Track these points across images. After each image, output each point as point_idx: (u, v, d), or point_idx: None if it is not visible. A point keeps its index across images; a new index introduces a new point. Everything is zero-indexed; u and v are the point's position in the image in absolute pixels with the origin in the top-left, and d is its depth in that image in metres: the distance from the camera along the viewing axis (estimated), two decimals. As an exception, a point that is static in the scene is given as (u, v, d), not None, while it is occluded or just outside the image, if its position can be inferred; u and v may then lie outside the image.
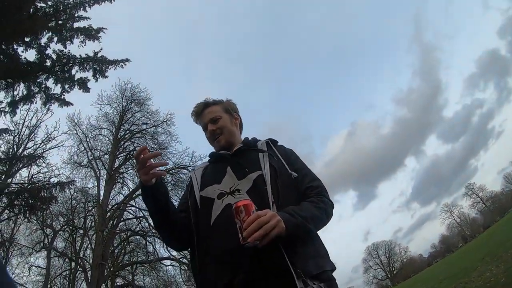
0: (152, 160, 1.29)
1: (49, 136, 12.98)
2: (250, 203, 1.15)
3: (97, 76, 9.39)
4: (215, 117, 1.64)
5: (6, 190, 8.75)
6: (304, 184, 1.44)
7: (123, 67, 10.05)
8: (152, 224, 13.66)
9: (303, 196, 1.40)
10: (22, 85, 8.41)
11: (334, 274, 1.30)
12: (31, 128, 12.51)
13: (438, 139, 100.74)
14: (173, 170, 14.31)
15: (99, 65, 9.29)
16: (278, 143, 1.64)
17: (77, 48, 8.98)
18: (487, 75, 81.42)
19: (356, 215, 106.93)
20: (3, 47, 7.17)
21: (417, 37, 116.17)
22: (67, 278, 15.46)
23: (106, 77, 9.64)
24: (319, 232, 1.39)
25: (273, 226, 1.10)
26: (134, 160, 1.36)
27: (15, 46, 7.52)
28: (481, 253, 13.55)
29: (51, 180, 11.66)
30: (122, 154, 15.61)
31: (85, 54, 9.00)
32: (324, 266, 1.23)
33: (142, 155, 1.26)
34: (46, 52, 8.25)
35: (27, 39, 7.66)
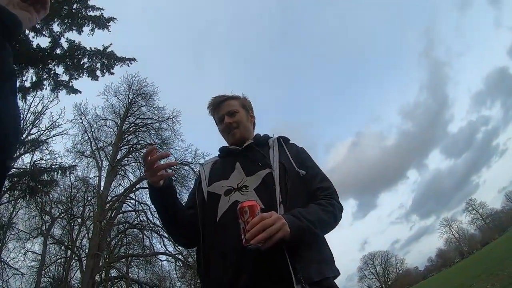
0: (160, 161, 1.27)
1: (54, 123, 13.08)
2: (256, 204, 1.13)
3: (104, 71, 9.40)
4: (233, 110, 1.63)
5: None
6: (314, 184, 1.41)
7: (129, 66, 10.05)
8: (150, 218, 13.81)
9: (313, 197, 1.37)
10: (31, 70, 8.44)
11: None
12: (36, 114, 12.60)
13: (441, 154, 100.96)
14: (174, 166, 14.26)
15: (108, 59, 9.28)
16: (290, 141, 1.62)
17: (87, 36, 9.00)
18: (495, 93, 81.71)
19: (355, 224, 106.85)
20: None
21: (427, 51, 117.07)
22: (62, 266, 15.50)
23: (112, 74, 9.67)
24: (326, 236, 1.37)
25: (278, 229, 1.08)
26: (142, 161, 1.33)
27: (26, 32, 7.54)
28: (478, 270, 13.47)
29: (54, 166, 11.72)
30: (125, 147, 15.64)
31: (95, 48, 9.00)
32: (326, 273, 1.19)
33: (150, 157, 1.25)
34: (59, 41, 8.26)
35: (38, 26, 7.68)
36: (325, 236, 1.36)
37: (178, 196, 1.50)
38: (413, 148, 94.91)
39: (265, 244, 1.06)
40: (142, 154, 14.89)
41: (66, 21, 8.20)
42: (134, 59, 10.01)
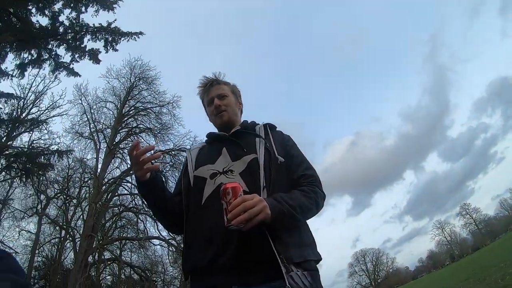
0: (146, 154, 1.28)
1: (54, 103, 13.03)
2: (238, 186, 1.15)
3: (108, 47, 9.26)
4: (223, 93, 1.65)
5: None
6: (298, 171, 1.43)
7: (135, 40, 9.84)
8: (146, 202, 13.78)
9: (296, 184, 1.39)
10: (32, 50, 8.34)
11: (321, 269, 1.30)
12: (37, 94, 12.56)
13: (439, 157, 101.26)
14: (173, 152, 14.31)
15: (112, 35, 9.15)
16: (277, 129, 1.64)
17: (91, 17, 8.88)
18: (496, 101, 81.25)
19: (348, 221, 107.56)
20: (16, 9, 7.09)
21: (432, 56, 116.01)
22: (55, 246, 15.66)
23: (116, 50, 9.51)
24: (309, 221, 1.40)
25: (259, 211, 1.10)
26: (128, 156, 1.35)
27: (29, 8, 7.44)
28: (466, 273, 13.61)
29: (51, 147, 11.72)
30: (124, 130, 15.57)
31: (99, 24, 8.86)
32: (307, 255, 1.22)
33: (135, 151, 1.26)
34: (60, 18, 8.17)
35: (40, 4, 7.58)
36: (315, 232, 1.38)
37: (170, 181, 1.51)
38: (412, 150, 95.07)
39: (246, 225, 1.08)
40: (140, 138, 15.07)
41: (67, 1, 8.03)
42: (141, 33, 9.80)
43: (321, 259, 1.31)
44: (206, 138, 1.66)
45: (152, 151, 1.35)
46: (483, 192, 76.98)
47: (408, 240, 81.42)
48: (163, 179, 1.49)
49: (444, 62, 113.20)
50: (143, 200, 1.46)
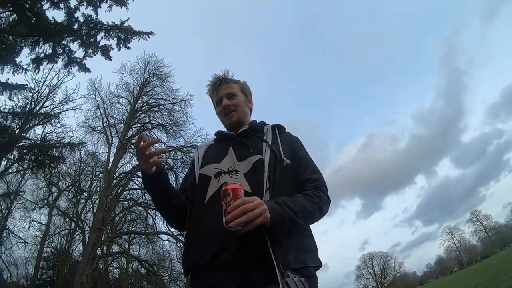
0: (152, 148, 1.28)
1: (68, 97, 13.23)
2: (239, 188, 1.14)
3: (121, 45, 9.36)
4: (232, 93, 1.64)
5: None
6: (304, 175, 1.41)
7: (146, 39, 9.99)
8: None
9: (301, 187, 1.37)
10: (47, 44, 8.51)
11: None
12: (51, 87, 12.76)
13: (451, 162, 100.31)
14: (184, 148, 14.33)
15: (124, 33, 9.25)
16: (285, 130, 1.62)
17: (104, 13, 8.95)
18: (510, 107, 79.39)
19: (358, 223, 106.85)
20: (31, 5, 7.22)
21: (447, 59, 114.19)
22: (65, 238, 15.88)
23: (129, 48, 9.62)
24: (313, 226, 1.39)
25: (258, 215, 1.09)
26: (135, 149, 1.34)
27: (43, 4, 7.57)
28: (475, 281, 13.43)
29: (64, 140, 11.89)
30: (137, 125, 15.68)
31: (112, 22, 8.97)
32: (306, 262, 1.21)
33: (141, 144, 1.26)
34: (75, 15, 8.29)
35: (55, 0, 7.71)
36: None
37: (180, 177, 1.52)
38: (424, 154, 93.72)
39: (245, 228, 1.08)
40: (152, 133, 15.21)
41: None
42: (152, 33, 9.93)
43: (321, 265, 1.30)
44: (215, 136, 1.66)
45: (157, 144, 1.34)
46: (495, 199, 75.86)
47: (417, 245, 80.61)
48: (174, 175, 1.51)
49: (459, 65, 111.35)
50: (148, 194, 1.52)
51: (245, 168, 1.37)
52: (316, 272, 1.28)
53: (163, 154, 1.37)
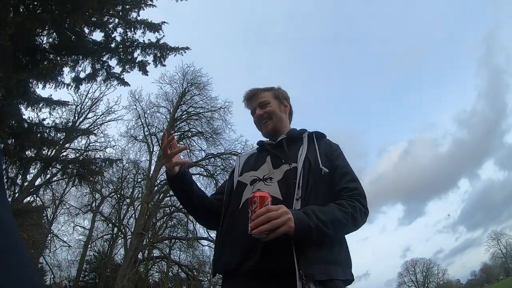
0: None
1: (110, 109, 13.64)
2: (267, 196, 1.15)
3: (157, 62, 9.48)
4: (263, 101, 1.66)
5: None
6: (340, 183, 1.37)
7: (182, 55, 10.14)
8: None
9: (337, 196, 1.33)
10: (86, 62, 8.71)
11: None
12: (93, 100, 13.22)
13: (495, 165, 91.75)
14: (224, 155, 14.41)
15: (160, 51, 9.34)
16: (325, 138, 1.61)
17: (139, 36, 9.21)
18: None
19: (400, 229, 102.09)
20: (71, 25, 7.34)
21: (487, 59, 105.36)
22: (107, 242, 16.57)
23: (164, 65, 9.78)
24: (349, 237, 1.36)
25: (282, 223, 1.08)
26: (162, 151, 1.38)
27: (83, 27, 7.70)
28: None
29: (106, 150, 12.32)
30: (177, 134, 15.83)
31: (148, 40, 9.14)
32: (333, 274, 1.16)
33: (164, 143, 1.31)
34: (112, 35, 8.43)
35: (94, 19, 7.79)
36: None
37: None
38: (467, 157, 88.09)
39: (268, 236, 1.08)
40: (193, 141, 15.41)
41: (118, 20, 8.24)
42: (187, 48, 10.13)
43: (352, 279, 1.25)
44: (257, 146, 1.70)
45: (171, 141, 1.36)
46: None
47: (461, 251, 75.19)
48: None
49: (499, 64, 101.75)
50: (173, 193, 1.75)
51: (279, 176, 1.37)
52: (347, 286, 1.24)
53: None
